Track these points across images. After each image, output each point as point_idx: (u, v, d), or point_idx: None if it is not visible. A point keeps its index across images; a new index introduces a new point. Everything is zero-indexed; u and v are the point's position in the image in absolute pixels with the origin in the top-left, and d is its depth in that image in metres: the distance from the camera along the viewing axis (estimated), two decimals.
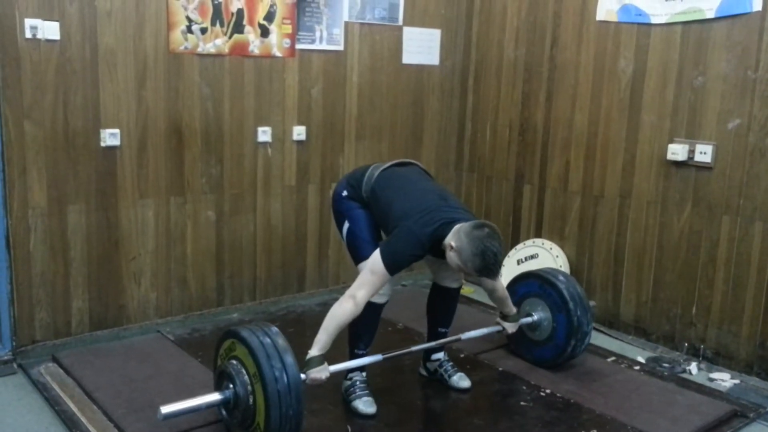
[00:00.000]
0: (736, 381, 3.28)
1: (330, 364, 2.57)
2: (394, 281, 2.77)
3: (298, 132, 3.90)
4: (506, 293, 3.07)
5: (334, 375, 2.64)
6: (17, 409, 2.82)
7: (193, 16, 3.42)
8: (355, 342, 2.82)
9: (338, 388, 2.89)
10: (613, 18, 3.71)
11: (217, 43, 3.52)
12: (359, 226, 2.82)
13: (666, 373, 3.31)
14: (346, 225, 2.84)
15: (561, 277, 3.18)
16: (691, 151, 3.43)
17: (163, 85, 3.41)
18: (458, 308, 3.09)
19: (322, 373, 2.53)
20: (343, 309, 2.56)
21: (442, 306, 3.02)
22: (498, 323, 3.14)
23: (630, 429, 2.74)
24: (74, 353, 3.23)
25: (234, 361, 2.45)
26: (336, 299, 4.11)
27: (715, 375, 3.33)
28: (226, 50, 3.56)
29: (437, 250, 2.64)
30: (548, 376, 3.17)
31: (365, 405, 2.77)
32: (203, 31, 3.46)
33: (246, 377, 2.38)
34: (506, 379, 3.14)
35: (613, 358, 3.44)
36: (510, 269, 4.21)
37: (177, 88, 3.45)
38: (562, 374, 3.20)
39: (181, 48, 3.42)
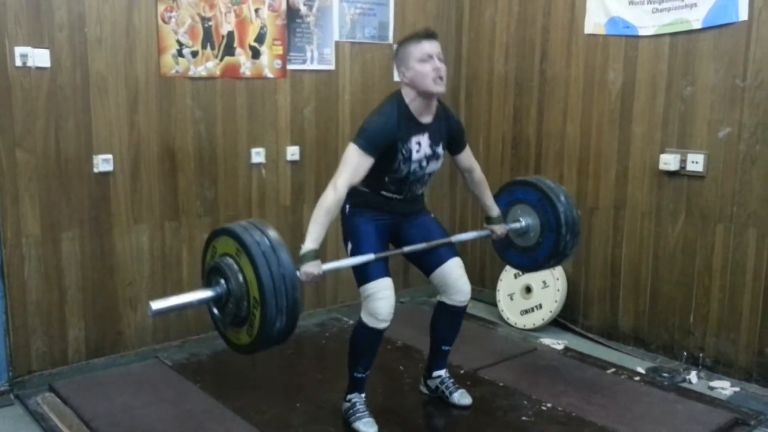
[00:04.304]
0: (736, 389, 3.28)
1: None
2: (391, 304, 2.70)
3: (292, 152, 3.90)
4: (484, 179, 3.05)
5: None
6: None
7: (183, 40, 3.43)
8: (354, 366, 2.79)
9: (338, 411, 2.87)
10: (601, 31, 3.74)
11: (209, 65, 3.52)
12: (363, 248, 2.71)
13: (666, 383, 3.31)
14: (350, 246, 2.77)
15: (562, 198, 3.04)
16: (683, 161, 3.45)
17: (155, 109, 3.41)
18: None
19: (315, 268, 2.47)
20: (326, 197, 2.55)
21: (448, 325, 2.98)
22: (486, 228, 3.10)
23: None
24: (71, 382, 3.20)
25: (217, 257, 2.37)
26: (334, 318, 4.13)
27: (715, 383, 3.33)
28: (218, 73, 3.57)
29: (409, 120, 2.66)
30: (549, 389, 3.17)
31: (366, 426, 2.74)
32: (194, 54, 3.47)
33: (230, 260, 2.29)
34: (507, 395, 3.13)
35: (613, 370, 3.44)
36: (508, 283, 4.21)
37: (169, 111, 3.45)
38: (562, 387, 3.19)
39: (173, 72, 3.42)
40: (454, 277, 2.86)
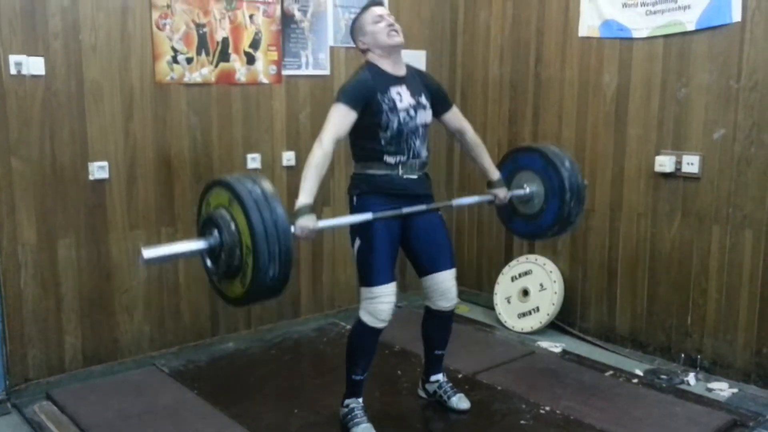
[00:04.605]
0: (735, 390, 3.28)
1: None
2: (393, 306, 2.72)
3: (288, 157, 3.90)
4: (480, 141, 3.06)
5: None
6: None
7: (178, 47, 3.43)
8: (353, 368, 2.79)
9: (336, 417, 2.86)
10: (595, 34, 3.74)
11: (204, 72, 3.53)
12: (372, 248, 2.69)
13: (664, 385, 3.30)
14: (357, 243, 2.73)
15: (567, 164, 3.00)
16: (678, 163, 3.46)
17: (150, 116, 3.41)
18: (454, 327, 3.07)
19: (310, 222, 2.46)
20: (313, 154, 2.57)
21: (438, 330, 2.99)
22: (488, 192, 3.07)
23: None
24: (68, 390, 3.19)
25: (211, 210, 2.35)
26: (332, 323, 4.12)
27: (713, 385, 3.33)
28: (213, 79, 3.57)
29: (383, 76, 2.73)
30: (547, 392, 3.16)
31: (364, 431, 2.74)
32: (189, 60, 3.47)
33: (223, 210, 2.28)
34: (505, 398, 3.12)
35: (610, 372, 3.44)
36: (505, 286, 4.21)
37: (164, 118, 3.45)
38: (560, 390, 3.19)
39: (168, 78, 3.42)
40: (444, 287, 2.88)
